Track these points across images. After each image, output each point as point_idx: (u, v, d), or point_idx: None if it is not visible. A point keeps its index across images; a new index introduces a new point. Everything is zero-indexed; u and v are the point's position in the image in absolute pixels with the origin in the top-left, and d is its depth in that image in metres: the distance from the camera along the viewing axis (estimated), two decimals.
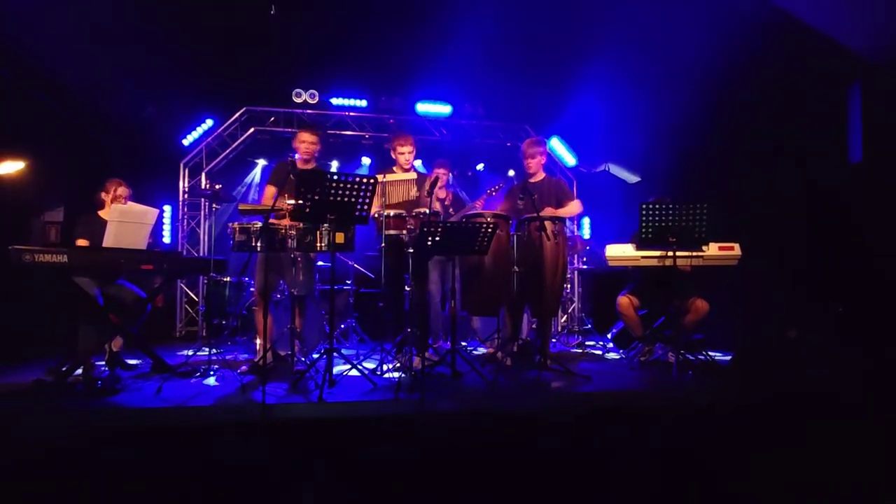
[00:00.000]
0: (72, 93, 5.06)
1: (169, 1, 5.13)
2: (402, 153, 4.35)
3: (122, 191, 4.18)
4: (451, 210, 4.93)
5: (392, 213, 4.00)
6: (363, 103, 6.93)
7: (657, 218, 3.91)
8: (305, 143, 4.19)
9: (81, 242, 3.93)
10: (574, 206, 4.36)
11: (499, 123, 7.37)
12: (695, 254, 4.17)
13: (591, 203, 7.55)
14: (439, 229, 3.46)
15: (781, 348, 4.36)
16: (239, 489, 2.35)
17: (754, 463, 2.68)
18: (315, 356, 3.93)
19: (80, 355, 3.61)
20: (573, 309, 7.42)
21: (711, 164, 5.67)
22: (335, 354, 3.50)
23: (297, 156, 4.12)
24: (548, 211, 4.20)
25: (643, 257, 4.35)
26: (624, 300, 4.60)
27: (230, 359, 4.36)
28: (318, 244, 3.74)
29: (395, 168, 4.43)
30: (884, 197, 4.38)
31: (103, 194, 4.20)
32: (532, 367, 4.06)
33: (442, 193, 5.27)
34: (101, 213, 4.16)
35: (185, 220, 6.79)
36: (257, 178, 6.96)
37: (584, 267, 6.77)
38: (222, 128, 6.74)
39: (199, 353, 4.21)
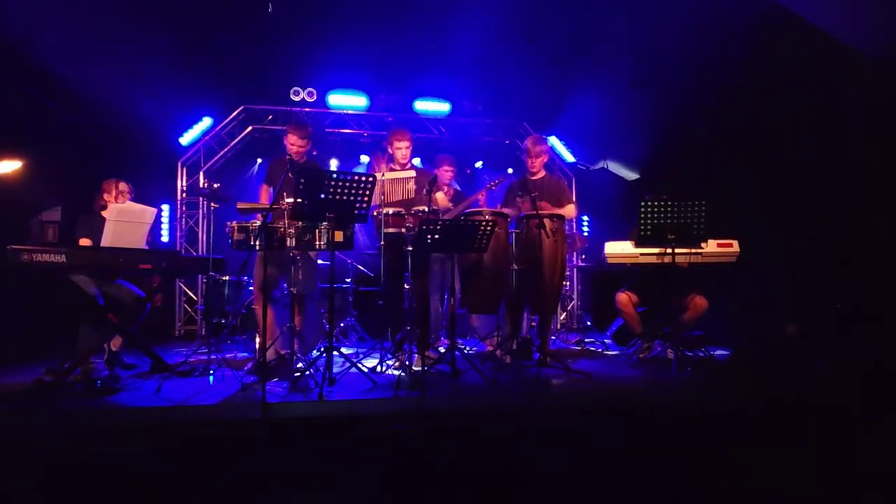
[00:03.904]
0: (69, 91, 5.05)
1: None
2: (399, 148, 4.34)
3: (122, 186, 4.21)
4: (450, 204, 4.92)
5: (391, 210, 3.99)
6: (361, 101, 6.91)
7: (656, 215, 3.91)
8: (295, 145, 4.07)
9: (84, 242, 3.93)
10: (570, 209, 4.41)
11: (498, 121, 7.36)
12: (693, 251, 4.18)
13: (590, 200, 7.56)
14: (438, 227, 3.46)
15: (780, 344, 4.38)
16: (239, 488, 2.35)
17: (753, 460, 2.68)
18: (315, 355, 3.93)
19: (80, 355, 3.61)
20: (572, 306, 7.43)
21: (709, 161, 5.67)
22: (335, 353, 3.51)
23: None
24: (546, 208, 4.20)
25: (642, 254, 4.36)
26: (623, 297, 4.61)
27: (229, 357, 4.35)
28: (317, 242, 3.74)
29: (391, 165, 4.41)
30: (883, 195, 4.38)
31: (105, 196, 4.20)
32: (531, 365, 4.06)
33: (444, 190, 5.28)
34: (104, 213, 4.15)
35: (184, 219, 6.79)
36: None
37: (583, 264, 6.77)
38: (220, 126, 6.72)
39: (198, 352, 4.20)
